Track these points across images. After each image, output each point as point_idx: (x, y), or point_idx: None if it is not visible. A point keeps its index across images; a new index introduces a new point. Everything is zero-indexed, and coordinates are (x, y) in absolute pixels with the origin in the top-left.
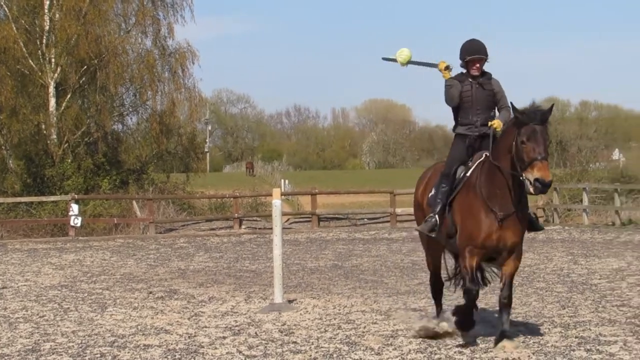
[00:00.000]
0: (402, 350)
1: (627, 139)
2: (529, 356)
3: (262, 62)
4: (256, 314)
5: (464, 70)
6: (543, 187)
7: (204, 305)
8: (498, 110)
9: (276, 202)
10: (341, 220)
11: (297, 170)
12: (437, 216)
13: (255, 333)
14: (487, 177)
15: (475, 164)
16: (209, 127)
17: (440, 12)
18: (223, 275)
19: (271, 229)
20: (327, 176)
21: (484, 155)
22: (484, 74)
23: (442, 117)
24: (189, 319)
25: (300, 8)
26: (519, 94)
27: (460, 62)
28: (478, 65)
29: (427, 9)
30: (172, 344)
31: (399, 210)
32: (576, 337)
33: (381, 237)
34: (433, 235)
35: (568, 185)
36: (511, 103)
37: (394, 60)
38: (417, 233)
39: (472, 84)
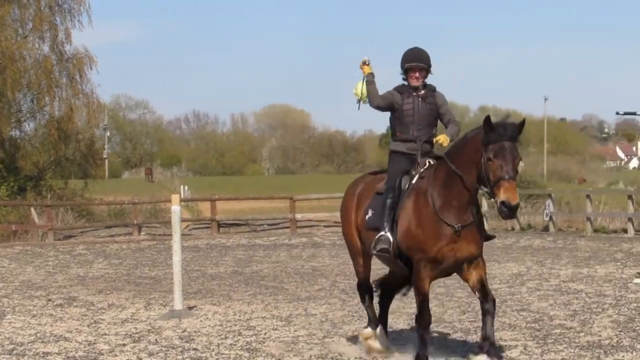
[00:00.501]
0: (303, 356)
1: (525, 144)
2: None
3: (161, 67)
4: (156, 321)
5: (405, 82)
6: (509, 211)
7: (104, 313)
8: (444, 124)
9: (175, 209)
10: (241, 226)
11: (196, 176)
12: (388, 233)
13: (156, 340)
14: (443, 185)
15: (422, 169)
16: (108, 133)
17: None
18: (122, 282)
19: (170, 235)
20: (226, 182)
21: (428, 162)
22: (426, 86)
23: (342, 123)
24: (88, 326)
25: (199, 12)
26: None
27: (401, 74)
28: (418, 74)
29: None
30: (71, 352)
31: (298, 216)
32: (476, 342)
33: (281, 243)
34: (387, 255)
35: None
36: (487, 116)
37: (360, 101)
38: (317, 239)
39: (415, 98)
